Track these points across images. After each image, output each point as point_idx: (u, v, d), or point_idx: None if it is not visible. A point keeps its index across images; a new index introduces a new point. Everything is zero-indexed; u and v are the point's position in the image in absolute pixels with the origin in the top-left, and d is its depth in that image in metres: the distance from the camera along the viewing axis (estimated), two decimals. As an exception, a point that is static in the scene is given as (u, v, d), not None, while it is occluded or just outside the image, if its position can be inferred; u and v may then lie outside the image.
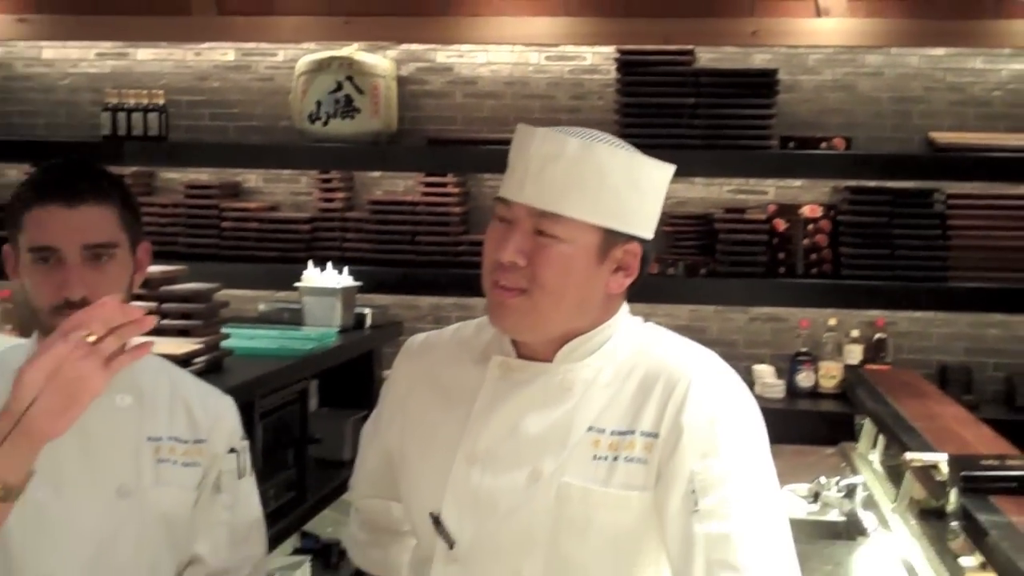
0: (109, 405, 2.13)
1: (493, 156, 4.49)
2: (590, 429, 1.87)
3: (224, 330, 3.29)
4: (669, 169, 1.91)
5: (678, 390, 1.84)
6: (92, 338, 1.58)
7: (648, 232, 1.91)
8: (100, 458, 2.01)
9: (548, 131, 1.86)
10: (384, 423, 2.13)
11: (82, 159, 2.23)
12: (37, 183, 2.12)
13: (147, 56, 5.38)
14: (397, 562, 2.26)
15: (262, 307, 4.21)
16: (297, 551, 3.71)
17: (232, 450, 2.26)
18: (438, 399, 2.01)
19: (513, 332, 1.93)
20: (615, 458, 1.85)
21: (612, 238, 1.86)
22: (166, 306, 3.13)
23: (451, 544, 1.92)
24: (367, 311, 4.11)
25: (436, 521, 1.93)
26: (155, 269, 2.56)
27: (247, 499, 2.31)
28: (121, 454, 2.04)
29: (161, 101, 5.08)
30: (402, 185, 5.26)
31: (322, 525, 3.86)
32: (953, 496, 2.49)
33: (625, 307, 1.97)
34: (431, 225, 5.04)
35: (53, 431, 1.63)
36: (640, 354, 1.92)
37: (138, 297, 2.31)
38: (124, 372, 2.06)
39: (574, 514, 1.85)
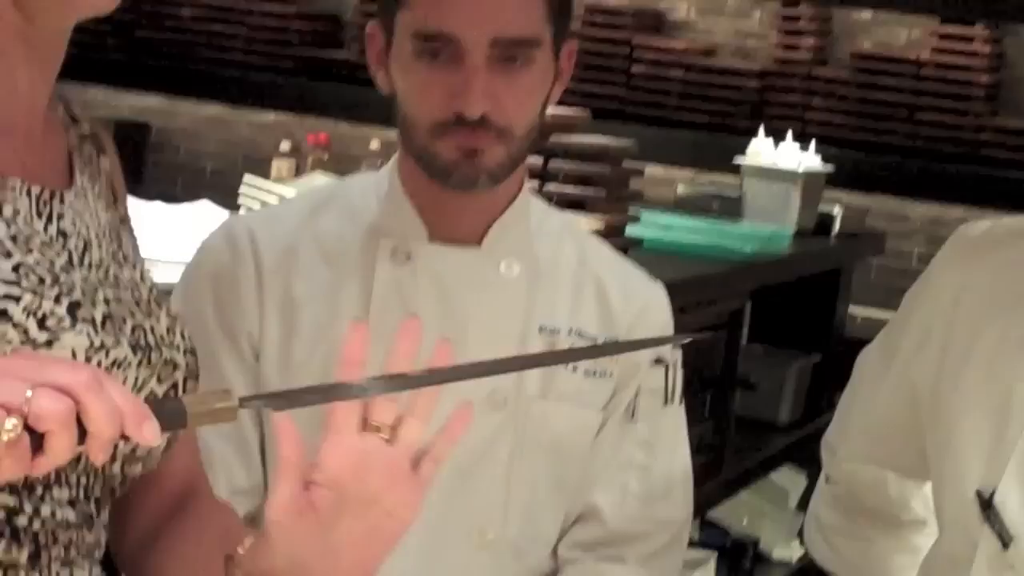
0: (489, 273, 2.13)
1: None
2: None
3: (632, 211, 3.14)
4: None
5: None
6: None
7: None
8: (470, 346, 1.93)
9: None
10: (909, 349, 2.04)
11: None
12: None
13: None
14: (886, 565, 2.22)
15: (682, 189, 4.18)
16: (697, 543, 3.63)
17: (659, 360, 2.20)
18: (1012, 318, 1.90)
19: None
20: None
21: None
22: (555, 163, 2.94)
23: (1006, 541, 1.84)
24: (836, 211, 3.94)
25: (986, 504, 1.86)
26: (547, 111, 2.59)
27: (673, 436, 2.26)
28: (499, 345, 1.95)
29: None
30: (903, 36, 5.06)
31: (736, 512, 3.85)
32: None
33: None
34: (942, 98, 4.78)
35: None
36: None
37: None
38: (516, 233, 2.18)
39: None
